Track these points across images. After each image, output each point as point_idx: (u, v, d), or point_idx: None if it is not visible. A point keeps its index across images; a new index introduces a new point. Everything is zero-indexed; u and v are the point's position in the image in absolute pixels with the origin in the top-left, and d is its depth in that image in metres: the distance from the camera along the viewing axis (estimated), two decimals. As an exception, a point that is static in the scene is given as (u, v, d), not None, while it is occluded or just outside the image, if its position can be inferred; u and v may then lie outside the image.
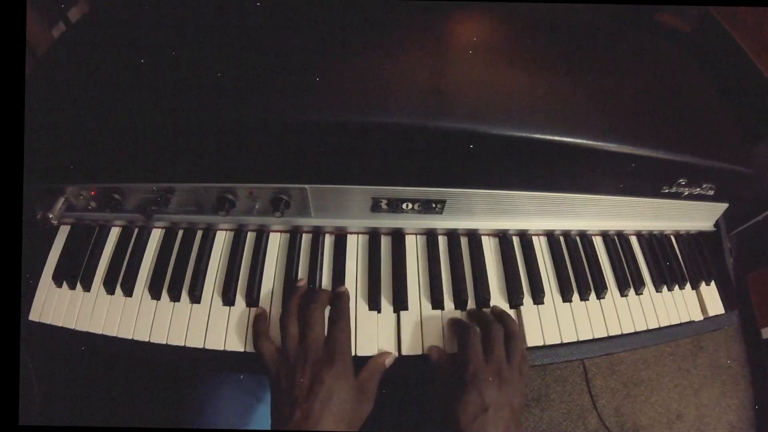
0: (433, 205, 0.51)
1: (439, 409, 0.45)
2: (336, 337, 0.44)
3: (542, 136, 0.46)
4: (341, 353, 0.43)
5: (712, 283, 0.62)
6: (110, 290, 0.50)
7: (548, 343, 0.50)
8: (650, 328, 0.55)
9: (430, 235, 0.54)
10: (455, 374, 0.44)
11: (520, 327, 0.51)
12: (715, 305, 0.61)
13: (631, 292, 0.57)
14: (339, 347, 0.43)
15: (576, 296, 0.54)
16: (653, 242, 0.61)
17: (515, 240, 0.56)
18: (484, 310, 0.51)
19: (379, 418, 0.49)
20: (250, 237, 0.53)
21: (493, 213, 0.53)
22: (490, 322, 0.47)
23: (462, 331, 0.47)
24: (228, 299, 0.49)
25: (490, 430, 0.42)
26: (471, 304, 0.51)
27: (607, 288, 0.55)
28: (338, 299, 0.47)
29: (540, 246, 0.57)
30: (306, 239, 0.53)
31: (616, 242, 0.60)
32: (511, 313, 0.51)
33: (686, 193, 0.56)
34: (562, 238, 0.58)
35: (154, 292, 0.49)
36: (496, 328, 0.47)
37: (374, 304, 0.49)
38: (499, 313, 0.50)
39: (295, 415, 0.39)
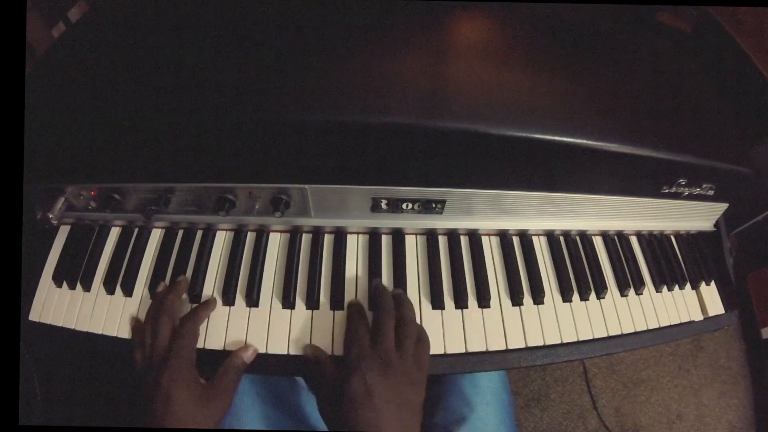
0: (433, 205, 0.51)
1: (323, 409, 0.44)
2: (176, 341, 0.44)
3: (542, 136, 0.46)
4: (177, 357, 0.42)
5: (712, 283, 0.62)
6: (110, 290, 0.50)
7: (548, 343, 0.50)
8: (650, 328, 0.55)
9: (430, 235, 0.54)
10: (338, 367, 0.43)
11: (521, 327, 0.51)
12: (715, 305, 0.61)
13: (631, 292, 0.57)
14: (176, 351, 0.43)
15: (576, 296, 0.54)
16: (653, 242, 0.61)
17: (515, 240, 0.56)
18: (384, 294, 0.48)
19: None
20: (250, 237, 0.53)
21: (493, 213, 0.53)
22: (381, 308, 0.46)
23: (349, 316, 0.47)
24: (228, 299, 0.49)
25: (377, 421, 0.39)
26: (471, 303, 0.51)
27: (607, 288, 0.55)
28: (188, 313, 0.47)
29: (540, 246, 0.57)
30: (306, 239, 0.53)
31: (616, 242, 0.60)
32: (513, 311, 0.51)
33: (686, 193, 0.56)
34: (562, 238, 0.58)
35: (155, 293, 0.49)
36: (385, 313, 0.45)
37: (373, 306, 0.49)
38: (395, 296, 0.48)
39: (146, 417, 0.41)
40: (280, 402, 0.55)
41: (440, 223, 0.53)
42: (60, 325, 0.48)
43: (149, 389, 0.42)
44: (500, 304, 0.52)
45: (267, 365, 0.47)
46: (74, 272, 0.50)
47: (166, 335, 0.44)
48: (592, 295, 0.55)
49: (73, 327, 0.48)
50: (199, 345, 0.47)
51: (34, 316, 0.49)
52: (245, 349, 0.46)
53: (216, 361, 0.45)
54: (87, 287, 0.50)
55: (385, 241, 0.54)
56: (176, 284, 0.49)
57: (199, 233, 0.53)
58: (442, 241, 0.55)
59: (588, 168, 0.51)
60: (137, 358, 0.45)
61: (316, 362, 0.45)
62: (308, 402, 0.57)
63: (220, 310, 0.49)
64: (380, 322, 0.45)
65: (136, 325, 0.48)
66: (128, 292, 0.50)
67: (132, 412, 0.44)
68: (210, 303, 0.48)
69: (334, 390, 0.42)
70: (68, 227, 0.53)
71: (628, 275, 0.57)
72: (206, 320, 0.48)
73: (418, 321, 0.49)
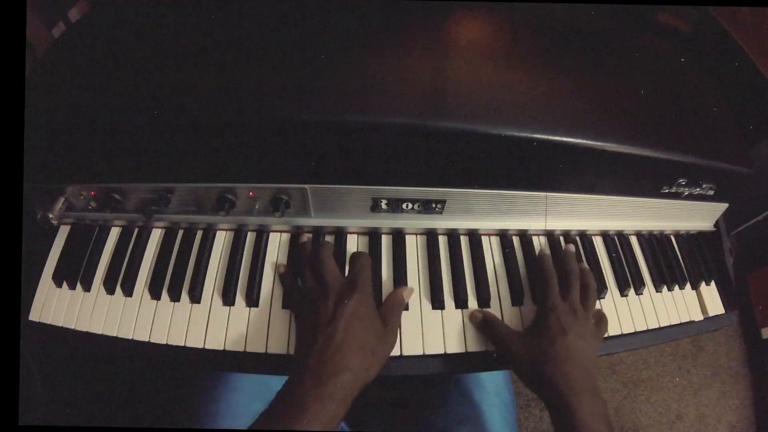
0: (433, 205, 0.51)
1: (508, 355, 0.47)
2: (356, 271, 0.45)
3: (542, 136, 0.46)
4: (362, 283, 0.44)
5: (712, 283, 0.62)
6: (110, 290, 0.50)
7: (548, 343, 0.50)
8: (650, 328, 0.55)
9: (430, 235, 0.54)
10: (533, 323, 0.48)
11: (521, 327, 0.51)
12: (715, 305, 0.61)
13: (631, 292, 0.57)
14: (360, 278, 0.45)
15: (576, 296, 0.54)
16: (653, 242, 0.61)
17: (515, 240, 0.56)
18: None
19: (378, 418, 0.49)
20: (250, 237, 0.53)
21: (493, 213, 0.53)
22: (570, 270, 0.50)
23: (543, 273, 0.50)
24: (228, 299, 0.49)
25: (570, 354, 0.44)
26: (471, 303, 0.51)
27: (607, 288, 0.55)
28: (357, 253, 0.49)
29: (540, 246, 0.57)
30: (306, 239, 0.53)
31: (616, 242, 0.60)
32: (513, 311, 0.51)
33: (686, 193, 0.56)
34: (562, 238, 0.58)
35: (154, 292, 0.49)
36: (573, 275, 0.50)
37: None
38: (582, 269, 0.52)
39: (318, 339, 0.40)
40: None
41: (440, 223, 0.53)
42: (60, 325, 0.48)
43: (328, 311, 0.42)
44: (500, 304, 0.52)
45: (267, 365, 0.47)
46: (74, 272, 0.50)
47: (334, 266, 0.46)
48: (592, 295, 0.55)
49: (73, 327, 0.48)
50: (199, 345, 0.47)
51: (34, 316, 0.49)
52: (403, 288, 0.49)
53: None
54: (87, 287, 0.50)
55: (385, 241, 0.54)
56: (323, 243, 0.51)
57: (199, 233, 0.53)
58: (442, 241, 0.55)
59: (588, 168, 0.51)
60: (310, 286, 0.46)
61: (492, 322, 0.49)
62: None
63: (220, 311, 0.49)
64: (569, 281, 0.50)
65: (286, 271, 0.49)
66: (128, 292, 0.50)
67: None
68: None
69: (528, 334, 0.48)
70: (68, 227, 0.53)
71: (628, 275, 0.57)
72: (206, 321, 0.48)
73: (418, 321, 0.49)
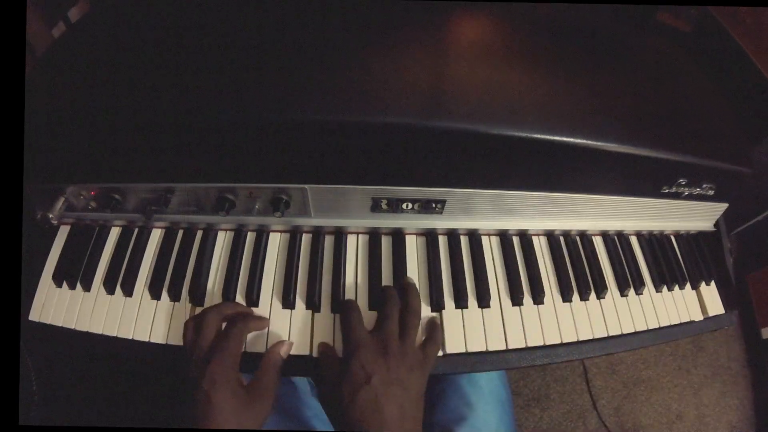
0: (433, 205, 0.51)
1: (324, 399, 0.42)
2: (220, 343, 0.42)
3: (542, 136, 0.46)
4: (219, 360, 0.40)
5: (712, 283, 0.62)
6: (110, 290, 0.50)
7: (548, 343, 0.50)
8: (650, 328, 0.55)
9: (430, 235, 0.54)
10: (340, 359, 0.43)
11: (521, 327, 0.51)
12: (715, 305, 0.61)
13: (631, 292, 0.57)
14: (219, 353, 0.41)
15: (576, 296, 0.54)
16: (653, 242, 0.61)
17: (515, 240, 0.56)
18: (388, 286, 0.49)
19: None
20: (250, 237, 0.53)
21: (493, 213, 0.53)
22: (387, 296, 0.46)
23: (343, 311, 0.45)
24: (228, 299, 0.49)
25: (377, 406, 0.39)
26: (471, 303, 0.51)
27: (607, 288, 0.55)
28: (238, 316, 0.46)
29: (540, 246, 0.57)
30: (306, 239, 0.53)
31: (616, 242, 0.60)
32: (513, 311, 0.51)
33: (686, 193, 0.56)
34: (562, 238, 0.58)
35: (154, 292, 0.49)
36: (391, 302, 0.45)
37: (375, 304, 0.49)
38: (405, 285, 0.48)
39: (187, 420, 0.39)
40: (277, 403, 0.55)
41: (440, 223, 0.53)
42: (60, 325, 0.48)
43: (191, 390, 0.40)
44: (500, 304, 0.52)
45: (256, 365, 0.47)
46: (74, 272, 0.50)
47: (210, 336, 0.42)
48: (592, 295, 0.55)
49: (73, 327, 0.48)
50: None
51: (34, 316, 0.49)
52: (280, 344, 0.45)
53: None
54: (87, 287, 0.50)
55: (385, 241, 0.54)
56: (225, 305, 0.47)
57: (199, 233, 0.53)
58: (442, 241, 0.55)
59: (588, 168, 0.51)
60: (187, 349, 0.43)
61: (324, 357, 0.45)
62: (305, 404, 0.57)
63: (220, 310, 0.49)
64: (384, 309, 0.45)
65: (186, 323, 0.45)
66: (128, 292, 0.50)
67: (174, 413, 0.43)
68: (264, 319, 0.47)
69: (335, 376, 0.42)
70: (68, 227, 0.53)
71: (628, 275, 0.57)
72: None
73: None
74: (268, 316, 0.48)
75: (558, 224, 0.56)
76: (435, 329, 0.47)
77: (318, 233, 0.53)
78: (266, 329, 0.48)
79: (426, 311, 0.50)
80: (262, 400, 0.41)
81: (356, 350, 0.42)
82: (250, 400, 0.41)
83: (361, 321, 0.45)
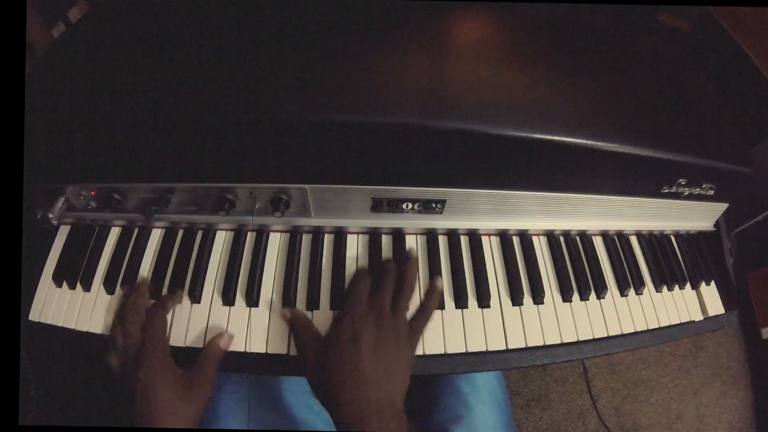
0: (433, 205, 0.51)
1: (308, 367, 0.42)
2: (146, 335, 0.44)
3: (542, 136, 0.46)
4: (150, 350, 0.43)
5: (712, 283, 0.62)
6: (110, 290, 0.50)
7: (548, 343, 0.50)
8: (650, 328, 0.55)
9: (430, 235, 0.54)
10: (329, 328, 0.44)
11: (521, 327, 0.51)
12: (715, 305, 0.61)
13: (631, 292, 0.57)
14: (148, 345, 0.43)
15: (576, 296, 0.54)
16: (653, 242, 0.61)
17: (515, 240, 0.56)
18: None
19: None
20: (250, 237, 0.53)
21: (493, 213, 0.53)
22: (384, 268, 0.47)
23: (357, 273, 0.47)
24: (228, 299, 0.49)
25: (360, 365, 0.39)
26: (471, 303, 0.51)
27: (607, 288, 0.55)
28: (156, 305, 0.47)
29: (540, 246, 0.57)
30: (306, 239, 0.53)
31: (616, 242, 0.60)
32: (513, 311, 0.51)
33: (686, 193, 0.56)
34: (562, 238, 0.58)
35: (154, 293, 0.49)
36: (387, 272, 0.47)
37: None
38: (405, 262, 0.49)
39: (130, 416, 0.41)
40: (272, 402, 0.55)
41: (440, 223, 0.53)
42: (60, 325, 0.48)
43: (129, 388, 0.42)
44: (500, 304, 0.52)
45: (267, 366, 0.47)
46: (74, 272, 0.50)
47: (135, 333, 0.44)
48: (592, 295, 0.55)
49: (73, 327, 0.48)
50: (199, 345, 0.47)
51: (34, 316, 0.49)
52: (220, 336, 0.46)
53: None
54: (87, 287, 0.50)
55: (386, 241, 0.54)
56: (138, 285, 0.49)
57: (199, 233, 0.53)
58: (442, 241, 0.55)
59: (588, 168, 0.51)
60: (113, 363, 0.45)
61: (296, 323, 0.46)
62: (298, 403, 0.57)
63: (220, 311, 0.49)
64: (380, 281, 0.46)
65: (109, 331, 0.47)
66: (128, 292, 0.49)
67: (117, 414, 0.44)
68: (176, 295, 0.48)
69: (322, 339, 0.43)
70: (68, 227, 0.53)
71: (628, 275, 0.57)
72: (206, 321, 0.48)
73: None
74: (268, 316, 0.48)
75: (558, 224, 0.56)
76: (429, 303, 0.48)
77: (318, 233, 0.53)
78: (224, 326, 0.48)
79: (426, 311, 0.50)
80: (199, 386, 0.43)
81: (349, 312, 0.43)
82: (188, 386, 0.43)
83: (366, 289, 0.46)
